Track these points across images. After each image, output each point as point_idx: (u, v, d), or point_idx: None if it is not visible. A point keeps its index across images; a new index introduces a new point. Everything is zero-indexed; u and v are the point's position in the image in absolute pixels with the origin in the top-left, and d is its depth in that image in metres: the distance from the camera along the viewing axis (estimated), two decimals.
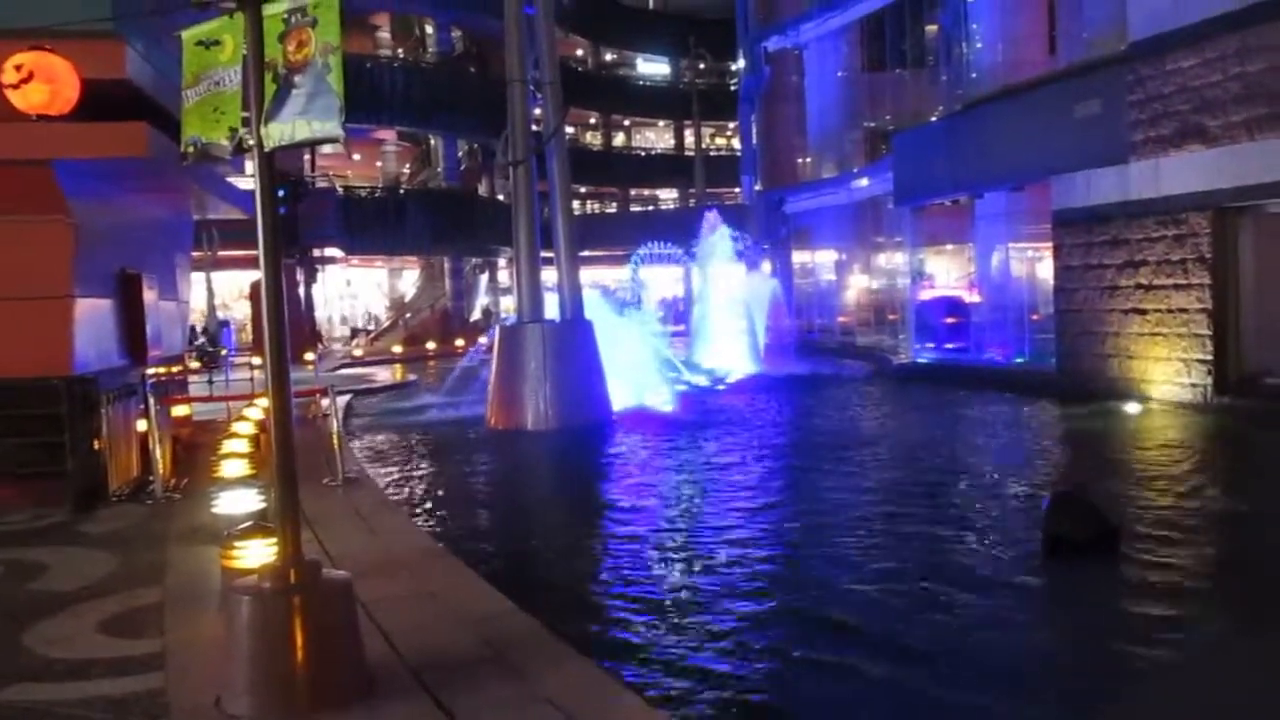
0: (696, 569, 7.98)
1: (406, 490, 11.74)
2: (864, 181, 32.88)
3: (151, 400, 10.89)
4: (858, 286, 37.95)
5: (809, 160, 39.64)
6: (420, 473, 13.14)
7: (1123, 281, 17.18)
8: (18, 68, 7.39)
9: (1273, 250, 14.83)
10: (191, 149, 5.20)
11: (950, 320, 27.27)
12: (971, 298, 28.24)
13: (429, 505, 10.94)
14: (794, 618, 6.75)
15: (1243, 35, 14.65)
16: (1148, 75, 16.36)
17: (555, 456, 14.95)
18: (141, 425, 11.35)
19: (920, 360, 25.37)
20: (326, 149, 46.39)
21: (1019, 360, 21.87)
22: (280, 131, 4.79)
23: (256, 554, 6.29)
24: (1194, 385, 15.63)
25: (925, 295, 30.68)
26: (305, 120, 4.74)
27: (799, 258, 41.10)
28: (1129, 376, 16.96)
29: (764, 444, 14.57)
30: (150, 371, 14.07)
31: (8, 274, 10.80)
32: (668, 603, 7.13)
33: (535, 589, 7.14)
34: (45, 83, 7.35)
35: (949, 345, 25.93)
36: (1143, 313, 16.74)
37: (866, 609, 6.86)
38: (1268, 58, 14.32)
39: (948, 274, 37.12)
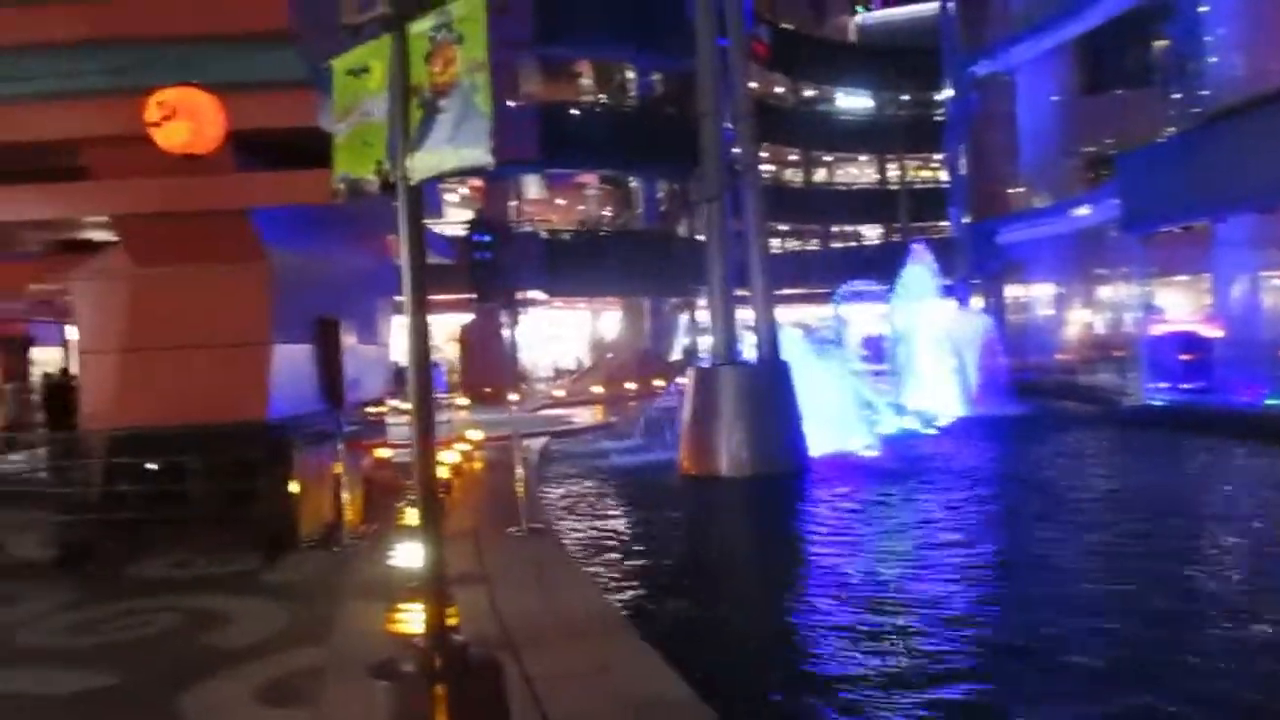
0: (910, 661, 6.78)
1: (591, 544, 11.21)
2: (1083, 210, 30.68)
3: (341, 446, 10.83)
4: (1078, 322, 35.47)
5: (1022, 189, 37.54)
6: (607, 524, 12.62)
7: None
8: (160, 104, 7.30)
9: None
10: (341, 186, 4.83)
11: (1187, 357, 24.75)
12: (1210, 332, 25.63)
13: (612, 561, 10.36)
14: None
15: None
16: None
17: (748, 509, 14.13)
18: (336, 470, 11.31)
19: (1153, 402, 23.08)
20: (532, 194, 47.75)
21: (1272, 403, 19.46)
22: (426, 162, 4.33)
23: (422, 619, 5.85)
24: None
25: (1157, 330, 28.13)
26: (453, 148, 4.25)
27: (1012, 292, 38.88)
28: None
29: (980, 498, 13.26)
30: (366, 413, 14.25)
31: (208, 321, 11.08)
32: (873, 698, 6.15)
33: (717, 671, 6.34)
34: (187, 119, 7.26)
35: (1186, 385, 23.48)
36: None
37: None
38: None
39: (1179, 307, 34.15)
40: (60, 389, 15.99)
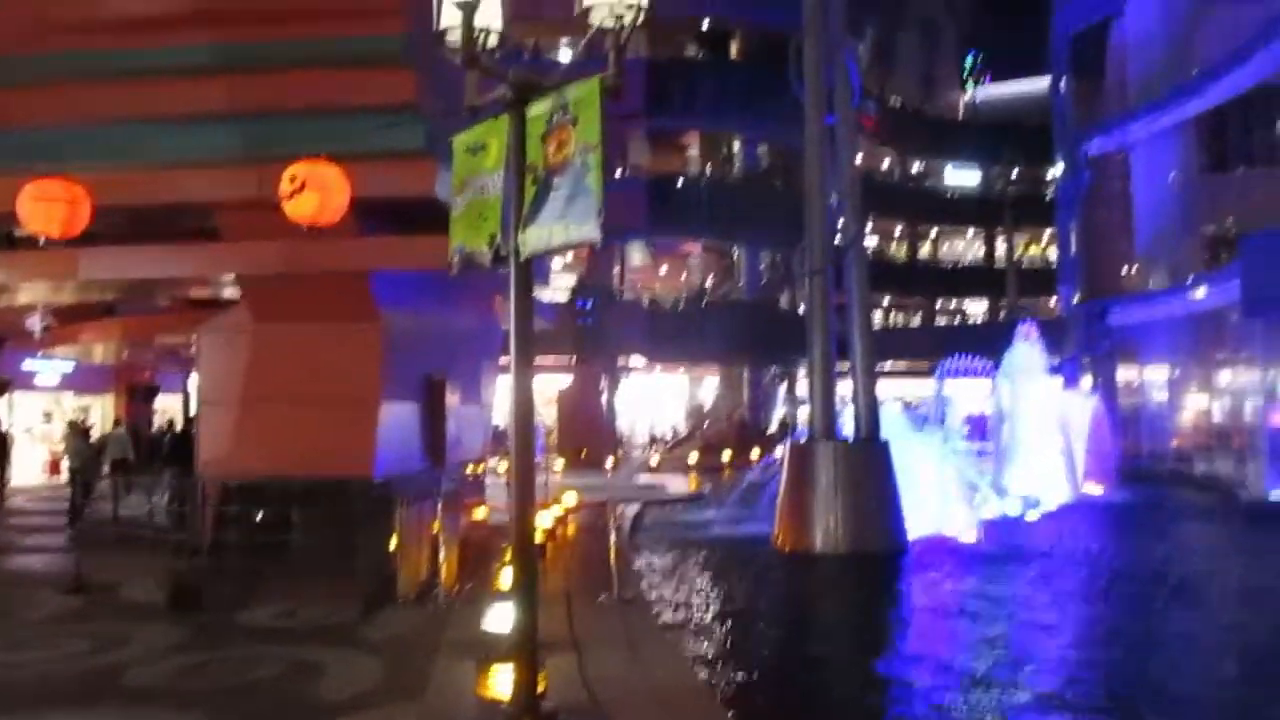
0: None
1: (682, 615, 11.14)
2: (1202, 291, 29.74)
3: (440, 504, 11.04)
4: (1195, 408, 34.18)
5: (1135, 269, 36.60)
6: (699, 596, 12.53)
7: None
8: (292, 178, 7.75)
9: None
10: (456, 258, 5.06)
11: None
12: None
13: (702, 634, 10.27)
14: None
15: None
16: None
17: (844, 590, 13.85)
18: (435, 528, 11.51)
19: (1276, 497, 22.04)
20: (636, 260, 48.37)
21: None
22: (537, 236, 4.52)
23: (512, 682, 5.94)
24: None
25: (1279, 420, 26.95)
26: (562, 224, 4.43)
27: (1124, 374, 37.72)
28: None
29: (1091, 593, 12.71)
30: (465, 472, 14.53)
31: (322, 377, 11.51)
32: None
33: None
34: (316, 191, 7.65)
35: None
36: None
37: None
38: None
39: None
40: (160, 436, 16.64)
